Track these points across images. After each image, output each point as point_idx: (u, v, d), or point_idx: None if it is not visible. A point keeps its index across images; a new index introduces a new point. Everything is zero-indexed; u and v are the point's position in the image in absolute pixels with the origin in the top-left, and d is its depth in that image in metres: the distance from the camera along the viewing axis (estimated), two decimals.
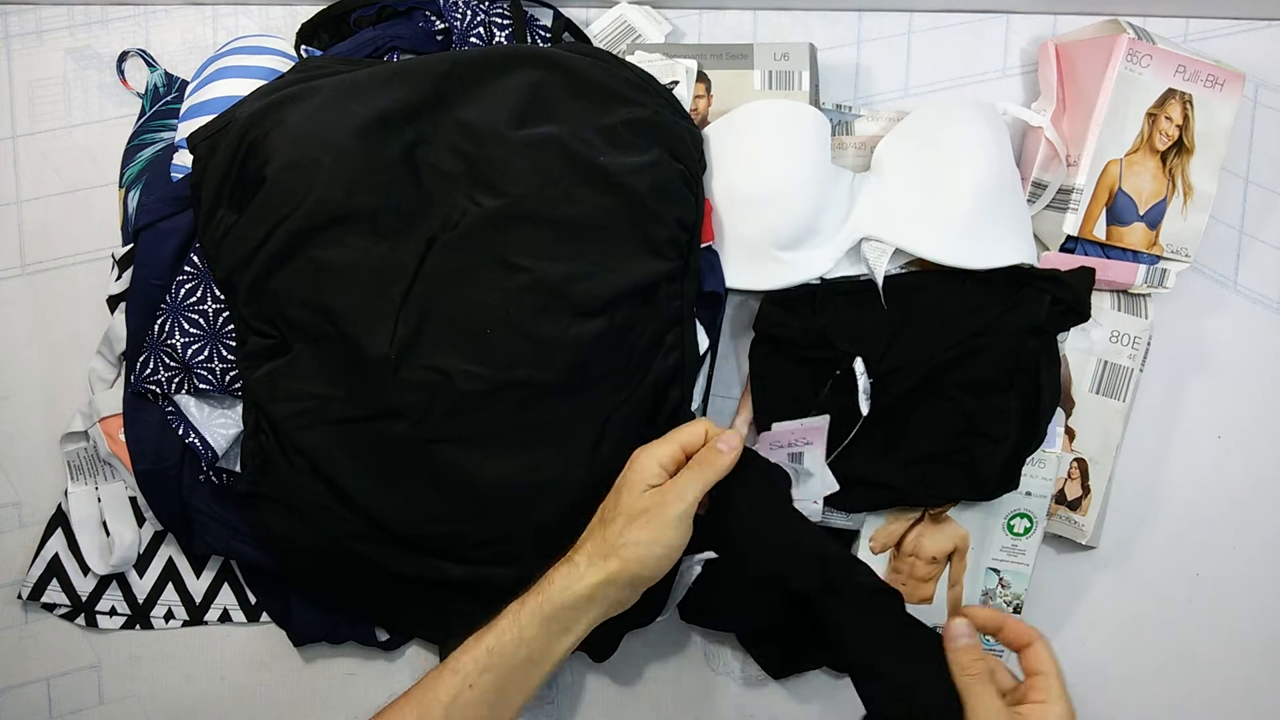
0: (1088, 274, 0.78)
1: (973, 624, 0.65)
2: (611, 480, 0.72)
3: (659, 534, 0.66)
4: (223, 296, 0.78)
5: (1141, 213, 0.81)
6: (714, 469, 0.68)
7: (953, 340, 0.77)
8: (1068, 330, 0.81)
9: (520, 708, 0.66)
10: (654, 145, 0.76)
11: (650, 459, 0.68)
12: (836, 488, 0.78)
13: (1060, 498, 0.83)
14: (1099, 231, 0.81)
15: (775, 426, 0.80)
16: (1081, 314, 0.78)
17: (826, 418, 0.78)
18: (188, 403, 0.78)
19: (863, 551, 0.82)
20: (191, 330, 0.78)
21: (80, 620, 0.87)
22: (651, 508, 0.66)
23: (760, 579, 0.72)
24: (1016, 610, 0.82)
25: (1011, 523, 0.80)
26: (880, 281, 0.78)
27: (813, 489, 0.79)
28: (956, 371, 0.78)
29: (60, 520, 0.86)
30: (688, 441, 0.70)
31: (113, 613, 0.87)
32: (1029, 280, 0.78)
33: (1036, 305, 0.78)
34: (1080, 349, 0.82)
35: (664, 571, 0.68)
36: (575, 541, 0.70)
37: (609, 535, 0.66)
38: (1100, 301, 0.83)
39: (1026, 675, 0.65)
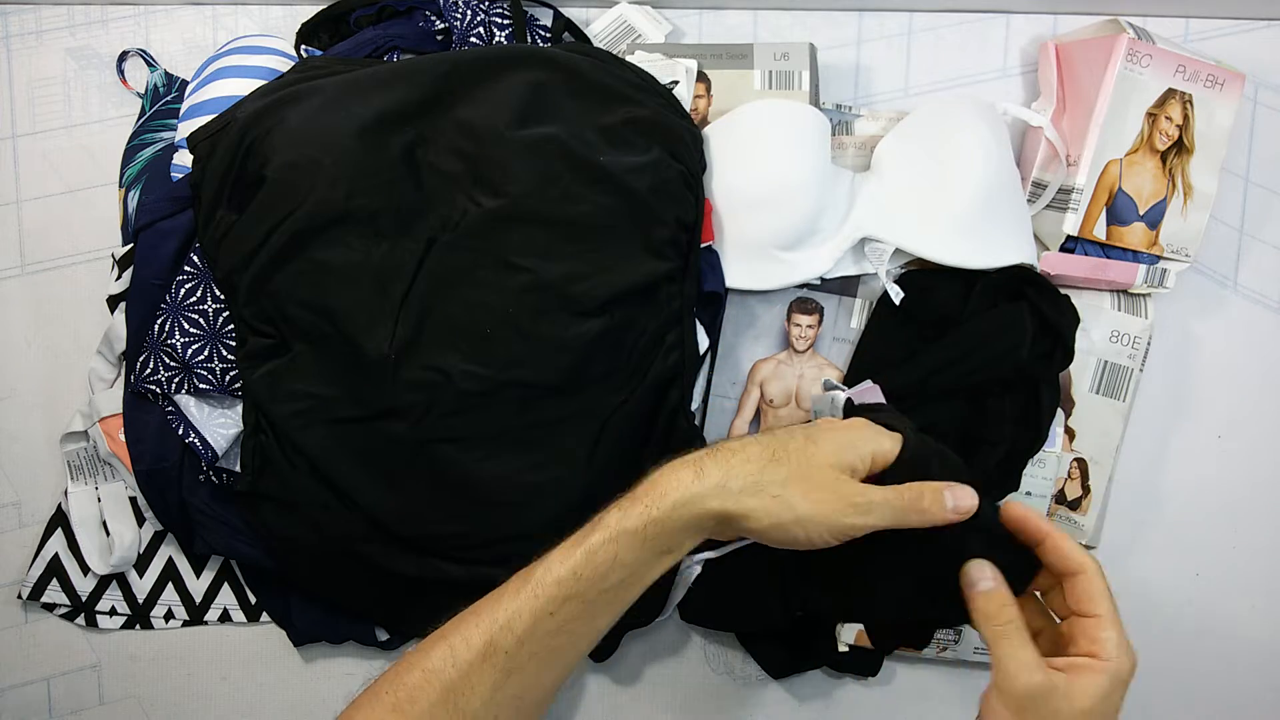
0: (1070, 310, 0.79)
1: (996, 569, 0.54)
2: (610, 481, 0.72)
3: (814, 519, 0.54)
4: (222, 296, 0.78)
5: (1141, 213, 0.81)
6: (919, 517, 0.55)
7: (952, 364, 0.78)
8: (1055, 375, 0.80)
9: (603, 634, 0.56)
10: (654, 145, 0.76)
11: (867, 447, 0.56)
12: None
13: (1060, 498, 0.83)
14: (1099, 231, 0.81)
15: (824, 393, 0.77)
16: (1067, 356, 0.79)
17: (870, 384, 0.76)
18: (188, 403, 0.78)
19: None
20: (191, 330, 0.78)
21: (80, 620, 0.87)
22: (830, 498, 0.54)
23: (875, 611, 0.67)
24: None
25: None
26: (885, 283, 0.78)
27: None
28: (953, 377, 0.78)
29: (60, 520, 0.86)
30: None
31: (113, 613, 0.87)
32: (1023, 289, 0.79)
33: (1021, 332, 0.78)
34: (1080, 349, 0.81)
35: (780, 543, 0.56)
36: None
37: (768, 475, 0.54)
38: (1100, 301, 0.83)
39: (1072, 613, 0.53)
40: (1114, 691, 0.50)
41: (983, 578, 0.54)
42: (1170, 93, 0.80)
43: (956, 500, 0.55)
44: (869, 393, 0.76)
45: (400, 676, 0.52)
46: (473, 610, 0.54)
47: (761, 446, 0.56)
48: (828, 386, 0.79)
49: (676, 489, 0.54)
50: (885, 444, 0.57)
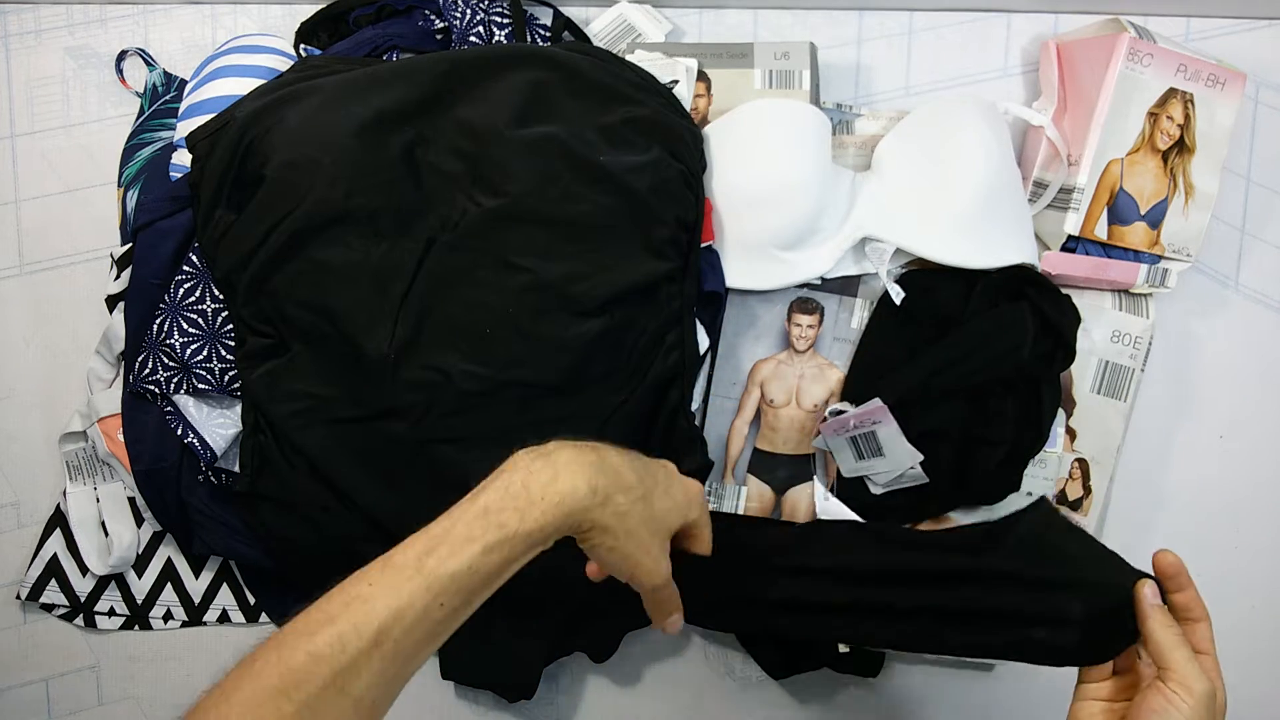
0: (1071, 310, 0.79)
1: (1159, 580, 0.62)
2: None
3: (634, 565, 0.61)
4: (221, 296, 0.78)
5: (1143, 212, 0.81)
6: (652, 612, 0.66)
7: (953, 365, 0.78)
8: (1056, 375, 0.81)
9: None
10: (654, 144, 0.76)
11: (689, 516, 0.65)
12: (920, 456, 0.77)
13: (1061, 498, 0.83)
14: (1100, 231, 0.80)
15: (830, 419, 0.79)
16: (1068, 356, 0.79)
17: (879, 403, 0.77)
18: (186, 403, 0.78)
19: None
20: (190, 330, 0.77)
21: (79, 621, 0.87)
22: (651, 555, 0.61)
23: None
24: None
25: None
26: (885, 282, 0.78)
27: (897, 460, 0.78)
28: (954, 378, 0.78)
29: (59, 520, 0.86)
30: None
31: (111, 613, 0.87)
32: (1024, 289, 0.78)
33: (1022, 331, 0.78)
34: (1081, 349, 0.81)
35: (600, 563, 0.62)
36: (573, 542, 0.66)
37: (636, 513, 0.59)
38: (1101, 301, 0.82)
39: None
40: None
41: (1156, 595, 0.61)
42: (1171, 92, 0.79)
43: (668, 628, 0.66)
44: (877, 412, 0.76)
45: (284, 658, 0.52)
46: (359, 596, 0.54)
47: (638, 476, 0.60)
48: (834, 413, 0.79)
49: (572, 498, 0.57)
50: (696, 515, 0.66)
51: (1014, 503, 0.80)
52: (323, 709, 0.51)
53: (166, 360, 0.77)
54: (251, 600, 0.87)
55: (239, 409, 0.78)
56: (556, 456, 0.57)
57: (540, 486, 0.56)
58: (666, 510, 0.62)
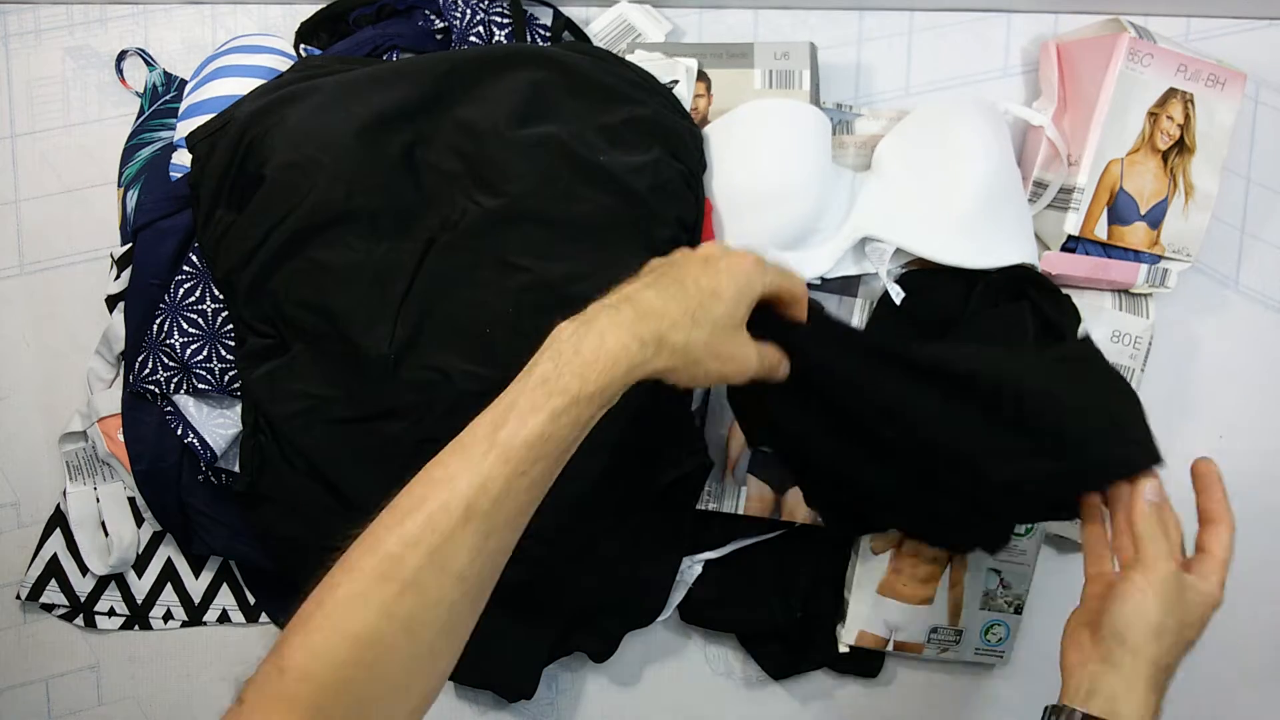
0: (1071, 310, 0.79)
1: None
2: (610, 482, 0.72)
3: (715, 375, 0.60)
4: (221, 296, 0.78)
5: (1143, 212, 0.81)
6: (770, 375, 0.64)
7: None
8: None
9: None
10: (654, 144, 0.76)
11: (756, 283, 0.61)
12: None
13: None
14: (1100, 231, 0.80)
15: None
16: None
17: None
18: (186, 403, 0.78)
19: (864, 552, 0.81)
20: (190, 330, 0.77)
21: (79, 621, 0.87)
22: (733, 360, 0.60)
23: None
24: (1018, 611, 0.82)
25: None
26: (885, 282, 0.78)
27: None
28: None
29: (59, 520, 0.86)
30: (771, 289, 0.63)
31: (111, 613, 0.87)
32: (1025, 289, 0.78)
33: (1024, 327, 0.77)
34: None
35: (678, 382, 0.61)
36: (572, 542, 0.67)
37: (694, 338, 0.58)
38: (1101, 301, 0.82)
39: (1201, 548, 0.66)
40: (1209, 615, 0.64)
41: (1155, 493, 0.66)
42: (1171, 92, 0.80)
43: (785, 369, 0.65)
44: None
45: (378, 548, 0.53)
46: (440, 479, 0.55)
47: (679, 304, 0.59)
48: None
49: (625, 357, 0.57)
50: (763, 287, 0.62)
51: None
52: (427, 585, 0.52)
53: (166, 360, 0.77)
54: (251, 600, 0.87)
55: (239, 409, 0.78)
56: (596, 320, 0.58)
57: (591, 350, 0.56)
58: (724, 313, 0.60)
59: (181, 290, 0.78)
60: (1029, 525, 0.80)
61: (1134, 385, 0.82)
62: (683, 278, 0.60)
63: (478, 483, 0.54)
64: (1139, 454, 0.67)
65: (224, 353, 0.78)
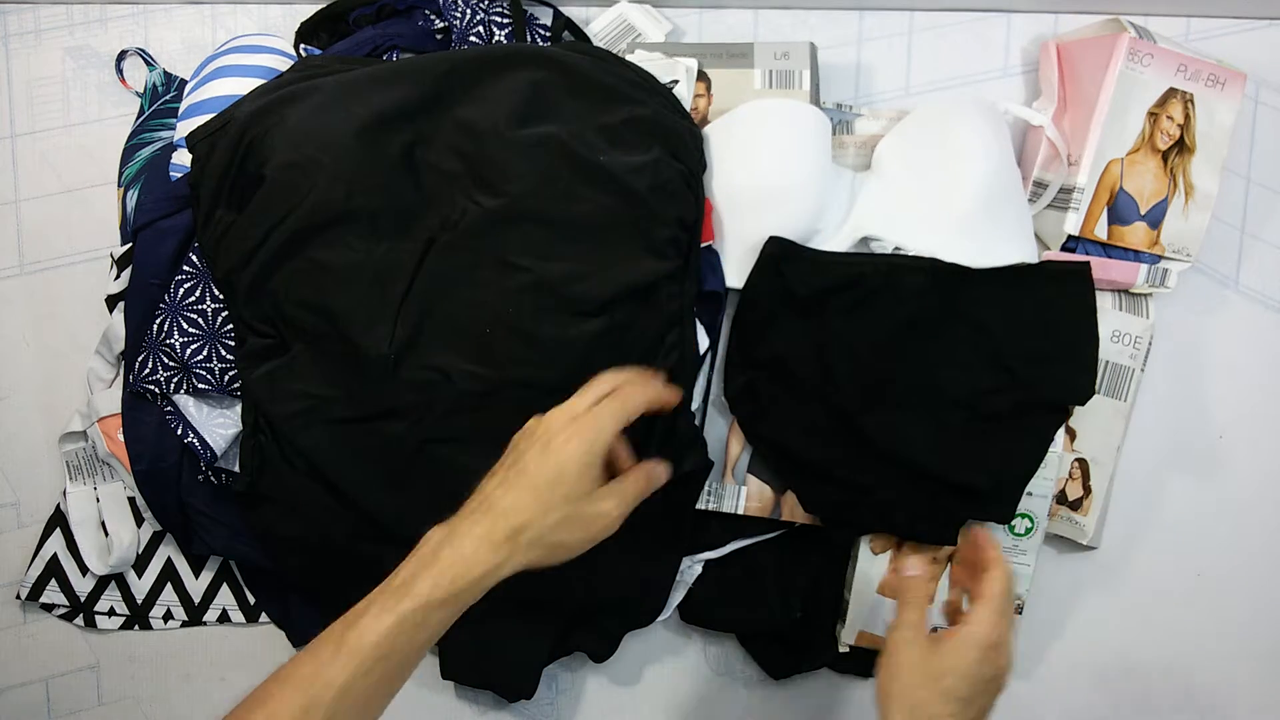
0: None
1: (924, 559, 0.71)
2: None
3: (581, 544, 0.63)
4: (221, 296, 0.78)
5: (1143, 212, 0.81)
6: (657, 481, 0.67)
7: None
8: None
9: (396, 693, 0.61)
10: (654, 144, 0.76)
11: (593, 456, 0.62)
12: None
13: (1061, 498, 0.83)
14: (1100, 231, 0.80)
15: None
16: None
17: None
18: (186, 403, 0.78)
19: (864, 552, 0.81)
20: (190, 330, 0.77)
21: (79, 621, 0.87)
22: (590, 526, 0.63)
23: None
24: (1018, 611, 0.82)
25: (1012, 523, 0.80)
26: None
27: None
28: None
29: (59, 520, 0.86)
30: (617, 429, 0.64)
31: (111, 613, 0.87)
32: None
33: None
34: None
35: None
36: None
37: (547, 523, 0.61)
38: (1102, 301, 0.82)
39: (972, 600, 0.66)
40: (980, 656, 0.63)
41: (911, 567, 0.70)
42: (1171, 92, 0.80)
43: (660, 474, 0.68)
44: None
45: None
46: (283, 677, 0.58)
47: (529, 495, 0.62)
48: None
49: (479, 564, 0.60)
50: (624, 414, 0.64)
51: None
52: None
53: (166, 360, 0.77)
54: (251, 600, 0.87)
55: (239, 409, 0.78)
56: (458, 527, 0.61)
57: (449, 557, 0.60)
58: (572, 490, 0.62)
59: (181, 290, 0.78)
60: (1029, 525, 0.80)
61: (1134, 385, 0.82)
62: (526, 467, 0.63)
63: (321, 682, 0.57)
64: (1088, 385, 0.76)
65: (224, 353, 0.78)
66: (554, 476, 0.62)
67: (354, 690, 0.57)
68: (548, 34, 0.84)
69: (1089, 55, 0.81)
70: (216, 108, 0.79)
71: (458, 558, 0.60)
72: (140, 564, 0.86)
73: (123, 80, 0.89)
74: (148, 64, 0.89)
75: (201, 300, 0.78)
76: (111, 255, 0.83)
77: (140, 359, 0.78)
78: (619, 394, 0.65)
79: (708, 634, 0.88)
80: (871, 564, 0.81)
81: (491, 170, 0.74)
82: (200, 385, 0.77)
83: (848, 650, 0.83)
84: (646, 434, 0.76)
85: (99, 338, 0.83)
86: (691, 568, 0.83)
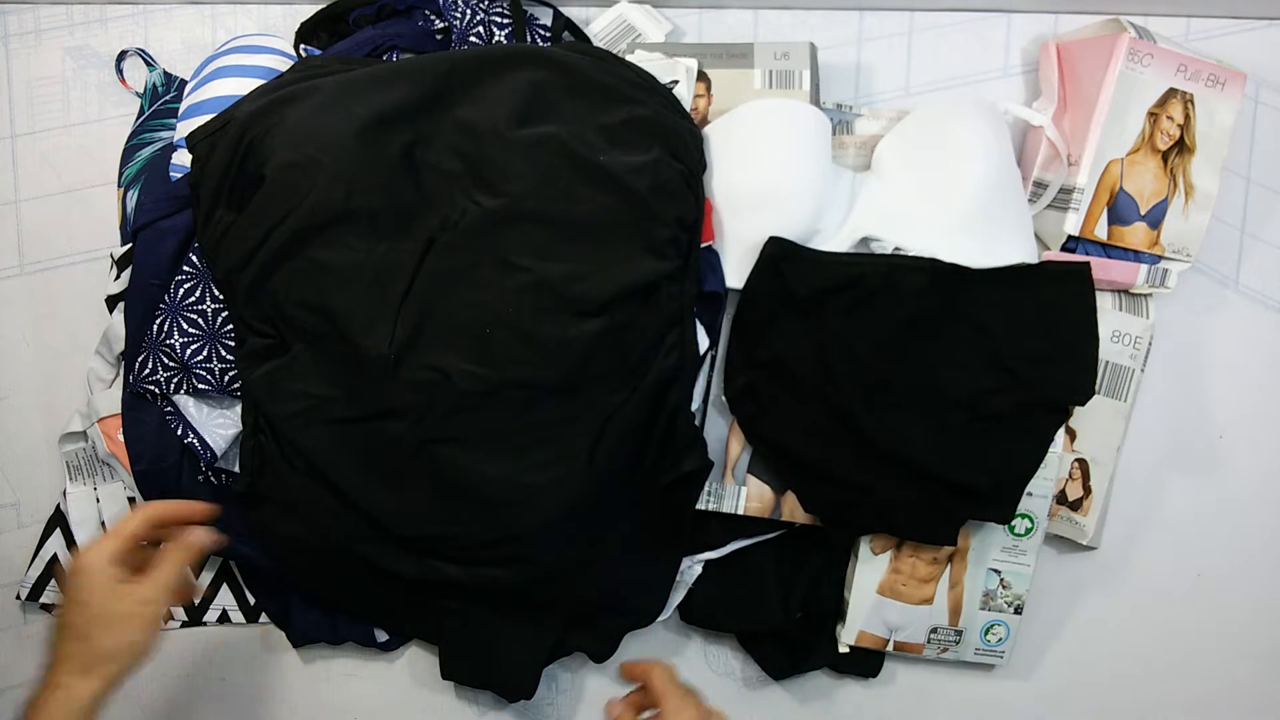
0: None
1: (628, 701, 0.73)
2: (611, 482, 0.72)
3: (144, 633, 0.67)
4: (221, 296, 0.78)
5: (1143, 212, 0.81)
6: (195, 549, 0.70)
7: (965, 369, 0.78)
8: None
9: None
10: (654, 144, 0.76)
11: (101, 561, 0.67)
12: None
13: (1061, 498, 0.83)
14: (1100, 231, 0.80)
15: None
16: None
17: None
18: (186, 403, 0.78)
19: (864, 552, 0.81)
20: (190, 330, 0.77)
21: None
22: (132, 610, 0.66)
23: None
24: (1018, 611, 0.82)
25: (1012, 523, 0.80)
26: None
27: None
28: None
29: (59, 520, 0.86)
30: (135, 530, 0.69)
31: None
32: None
33: None
34: None
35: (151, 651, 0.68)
36: (573, 543, 0.67)
37: (94, 650, 0.65)
38: (1102, 301, 0.82)
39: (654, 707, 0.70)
40: None
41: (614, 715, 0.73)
42: (1171, 92, 0.79)
43: (198, 537, 0.71)
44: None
45: None
46: None
47: (64, 637, 0.66)
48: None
49: (57, 707, 0.64)
50: (126, 526, 0.69)
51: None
52: None
53: (166, 360, 0.77)
54: (251, 600, 0.87)
55: (239, 409, 0.78)
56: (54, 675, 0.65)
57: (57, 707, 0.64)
58: (96, 614, 0.66)
59: (181, 290, 0.78)
60: (1029, 525, 0.80)
61: (1134, 385, 0.83)
62: (64, 611, 0.66)
63: None
64: (1088, 385, 0.77)
65: (224, 353, 0.78)
66: (74, 604, 0.65)
67: None
68: (548, 34, 0.84)
69: (1089, 55, 0.81)
70: (216, 108, 0.79)
71: (42, 700, 0.64)
72: None
73: (123, 80, 0.89)
74: (148, 64, 0.89)
75: (201, 300, 0.78)
76: (111, 255, 0.83)
77: (140, 359, 0.78)
78: (141, 507, 0.70)
79: (708, 634, 0.88)
80: (871, 564, 0.81)
81: (491, 170, 0.74)
82: (200, 385, 0.77)
83: (848, 650, 0.83)
84: (646, 435, 0.77)
85: (99, 338, 0.83)
86: (691, 568, 0.83)
